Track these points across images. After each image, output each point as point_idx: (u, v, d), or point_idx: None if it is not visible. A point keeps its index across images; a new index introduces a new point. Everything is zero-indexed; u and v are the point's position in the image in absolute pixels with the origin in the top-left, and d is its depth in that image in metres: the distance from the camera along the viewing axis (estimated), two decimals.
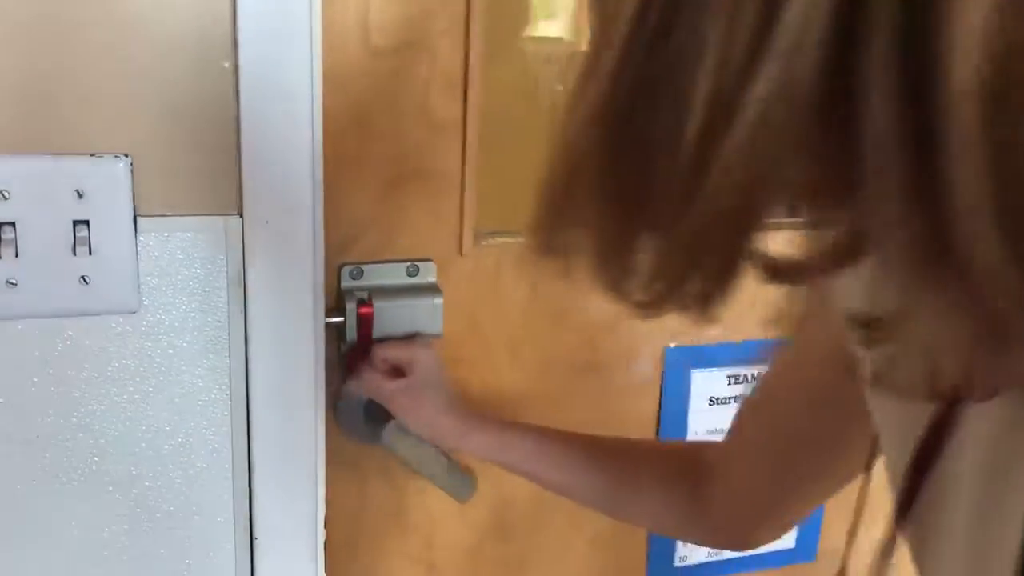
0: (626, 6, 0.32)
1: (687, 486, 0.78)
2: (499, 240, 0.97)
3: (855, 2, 0.29)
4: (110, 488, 0.81)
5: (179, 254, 0.78)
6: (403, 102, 0.90)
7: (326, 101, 0.80)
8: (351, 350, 0.91)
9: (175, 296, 0.79)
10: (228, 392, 0.82)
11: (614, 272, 0.37)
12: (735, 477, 0.75)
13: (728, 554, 1.16)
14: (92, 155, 0.75)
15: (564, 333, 1.03)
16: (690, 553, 1.16)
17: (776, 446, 0.71)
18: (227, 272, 0.80)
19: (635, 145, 0.33)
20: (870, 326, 0.37)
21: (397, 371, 0.90)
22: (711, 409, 1.11)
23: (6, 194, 0.72)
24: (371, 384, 0.90)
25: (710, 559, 1.17)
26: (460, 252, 0.95)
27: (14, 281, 0.74)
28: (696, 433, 1.11)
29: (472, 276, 0.97)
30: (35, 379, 0.77)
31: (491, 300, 0.99)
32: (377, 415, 0.92)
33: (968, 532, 0.45)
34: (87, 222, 0.75)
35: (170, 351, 0.80)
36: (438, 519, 1.04)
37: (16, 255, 0.73)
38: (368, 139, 0.90)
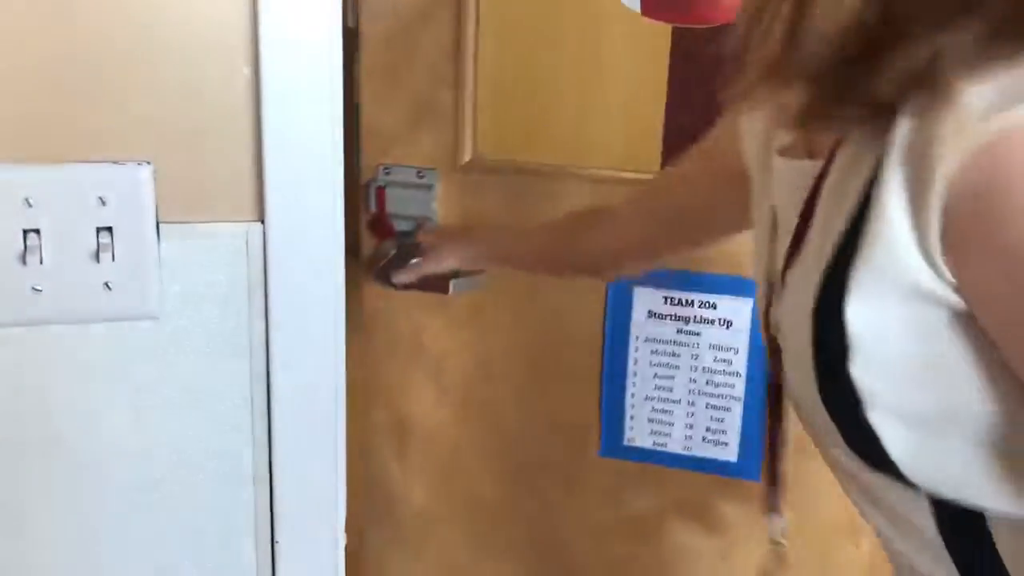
0: None
1: (581, 227, 1.13)
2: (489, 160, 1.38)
3: None
4: (131, 492, 0.82)
5: (201, 260, 0.79)
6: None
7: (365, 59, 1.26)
8: (373, 222, 1.40)
9: (197, 302, 0.79)
10: (249, 398, 0.83)
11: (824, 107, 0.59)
12: (620, 221, 1.07)
13: (671, 447, 1.38)
14: (115, 163, 0.75)
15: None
16: (636, 436, 1.39)
17: (665, 205, 1.03)
18: (248, 278, 0.80)
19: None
20: None
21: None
22: (648, 320, 1.36)
23: (30, 201, 0.73)
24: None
25: (656, 448, 1.39)
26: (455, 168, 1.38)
27: (39, 287, 0.75)
28: (636, 338, 1.37)
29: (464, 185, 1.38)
30: (58, 384, 0.78)
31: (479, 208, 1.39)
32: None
33: (814, 250, 0.64)
34: (110, 229, 0.75)
35: (192, 356, 0.80)
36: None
37: (40, 262, 0.74)
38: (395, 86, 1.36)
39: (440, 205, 1.38)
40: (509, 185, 1.36)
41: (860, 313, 0.58)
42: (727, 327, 1.32)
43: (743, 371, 1.33)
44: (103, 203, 0.75)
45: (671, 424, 1.37)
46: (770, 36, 0.58)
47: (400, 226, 1.38)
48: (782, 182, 0.72)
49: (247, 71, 0.76)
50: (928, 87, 0.53)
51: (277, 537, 0.86)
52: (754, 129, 0.79)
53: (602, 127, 1.40)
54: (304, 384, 0.83)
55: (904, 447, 0.61)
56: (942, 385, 0.59)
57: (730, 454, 1.36)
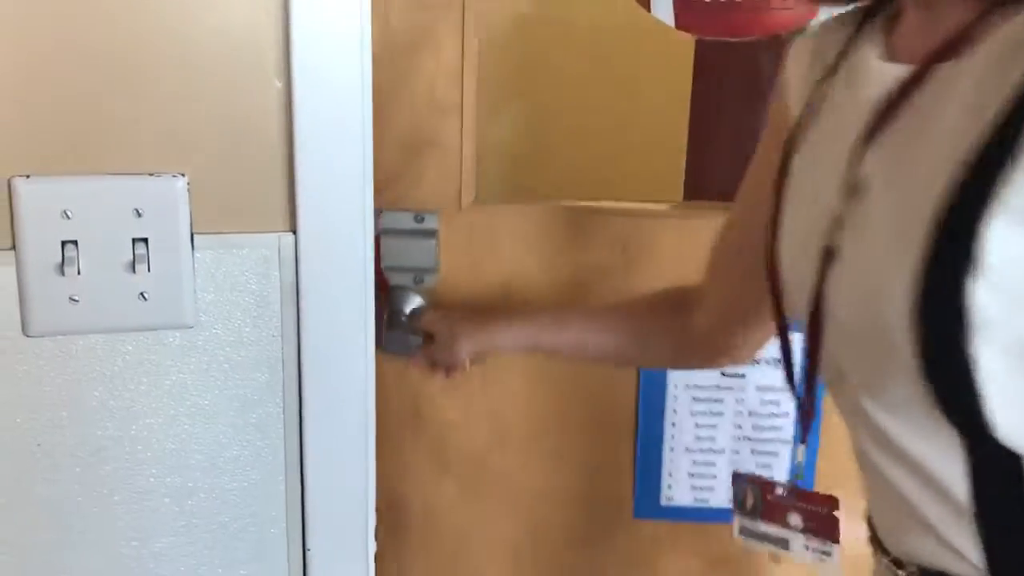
0: None
1: (679, 322, 0.96)
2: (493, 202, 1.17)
3: None
4: (167, 500, 0.83)
5: (234, 270, 0.80)
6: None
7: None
8: None
9: (230, 311, 0.81)
10: (282, 406, 0.83)
11: None
12: (711, 299, 0.92)
13: (714, 502, 1.23)
14: (150, 175, 0.76)
15: (550, 274, 1.16)
16: (675, 494, 1.25)
17: (742, 262, 0.86)
18: (281, 288, 0.81)
19: None
20: None
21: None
22: None
23: (68, 214, 0.74)
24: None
25: (697, 504, 1.25)
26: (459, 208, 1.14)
27: (76, 298, 0.76)
28: (675, 386, 1.23)
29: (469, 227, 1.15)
30: (95, 393, 0.79)
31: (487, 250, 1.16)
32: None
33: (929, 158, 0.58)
34: (145, 240, 0.76)
35: (225, 365, 0.81)
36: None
37: (78, 272, 0.75)
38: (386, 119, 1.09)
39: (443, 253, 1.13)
40: (522, 226, 1.14)
41: (1002, 235, 0.53)
42: (775, 365, 1.17)
43: (792, 411, 1.19)
44: (139, 215, 0.76)
45: (714, 477, 1.25)
46: None
47: (395, 280, 1.13)
48: (844, 93, 0.68)
49: (279, 84, 0.77)
50: None
51: (309, 545, 0.87)
52: (800, 69, 0.76)
53: (623, 160, 1.32)
54: (336, 392, 0.84)
55: (1002, 383, 0.55)
56: None
57: None
